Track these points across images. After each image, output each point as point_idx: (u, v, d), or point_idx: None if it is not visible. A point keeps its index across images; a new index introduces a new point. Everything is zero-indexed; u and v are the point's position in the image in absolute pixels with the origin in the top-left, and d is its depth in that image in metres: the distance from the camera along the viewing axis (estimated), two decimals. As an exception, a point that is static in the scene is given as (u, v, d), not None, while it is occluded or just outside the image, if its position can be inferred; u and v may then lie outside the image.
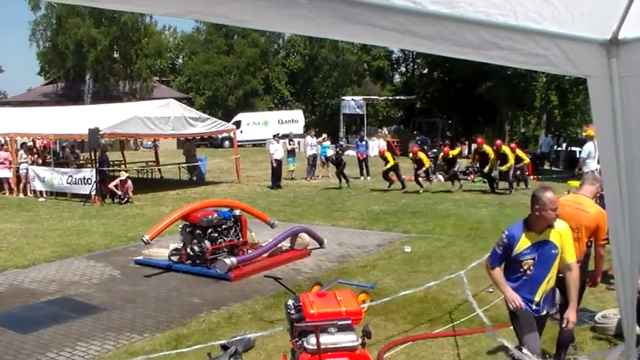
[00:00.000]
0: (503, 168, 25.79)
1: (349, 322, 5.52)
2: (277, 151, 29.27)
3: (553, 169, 39.02)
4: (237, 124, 54.27)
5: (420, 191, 26.59)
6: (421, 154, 27.95)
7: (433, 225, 18.66)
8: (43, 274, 13.83)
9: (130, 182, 25.61)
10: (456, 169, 27.65)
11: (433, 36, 2.88)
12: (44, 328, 10.18)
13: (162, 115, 28.15)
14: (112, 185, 25.29)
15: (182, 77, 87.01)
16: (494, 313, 9.78)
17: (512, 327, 6.65)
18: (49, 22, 67.87)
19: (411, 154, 28.65)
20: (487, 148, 26.22)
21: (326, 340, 5.36)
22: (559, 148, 42.76)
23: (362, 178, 31.85)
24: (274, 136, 31.83)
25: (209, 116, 33.53)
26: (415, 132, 56.29)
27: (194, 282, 12.86)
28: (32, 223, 20.61)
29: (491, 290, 10.97)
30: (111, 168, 27.58)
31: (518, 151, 26.86)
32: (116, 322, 10.37)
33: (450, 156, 27.88)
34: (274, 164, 29.11)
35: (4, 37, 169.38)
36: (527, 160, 27.42)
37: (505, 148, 26.21)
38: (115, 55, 70.30)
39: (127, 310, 11.07)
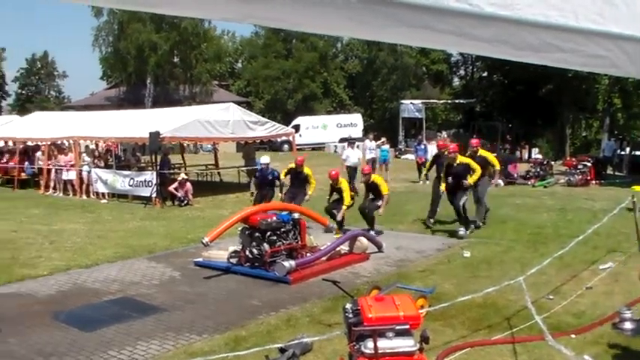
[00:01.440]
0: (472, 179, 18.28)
1: (407, 326, 5.48)
2: (350, 157, 28.96)
3: (616, 173, 38.33)
4: (296, 127, 54.50)
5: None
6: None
7: (493, 230, 18.47)
8: (105, 274, 14.03)
9: (189, 185, 25.83)
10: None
11: (491, 38, 2.85)
12: (106, 326, 10.33)
13: (221, 119, 28.34)
14: (171, 188, 25.55)
15: (241, 81, 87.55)
16: (555, 320, 9.64)
17: (572, 335, 6.53)
18: (111, 27, 68.89)
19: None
20: (487, 154, 20.88)
21: (383, 344, 5.33)
22: (622, 152, 42.03)
23: (421, 182, 31.64)
24: (348, 141, 31.53)
25: (268, 120, 33.67)
26: (474, 135, 55.78)
27: (253, 284, 12.91)
28: (95, 224, 20.92)
29: (551, 297, 10.84)
30: (171, 171, 27.85)
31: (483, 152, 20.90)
32: (176, 323, 10.47)
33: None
34: (346, 170, 28.57)
35: (68, 43, 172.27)
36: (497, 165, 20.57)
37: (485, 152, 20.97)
38: (175, 59, 71.05)
39: (187, 310, 11.17)
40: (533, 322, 8.78)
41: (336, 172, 18.51)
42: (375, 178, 18.61)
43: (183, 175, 26.51)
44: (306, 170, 20.32)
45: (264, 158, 19.19)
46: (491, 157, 20.39)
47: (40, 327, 10.40)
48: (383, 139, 35.85)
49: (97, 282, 13.40)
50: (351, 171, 28.07)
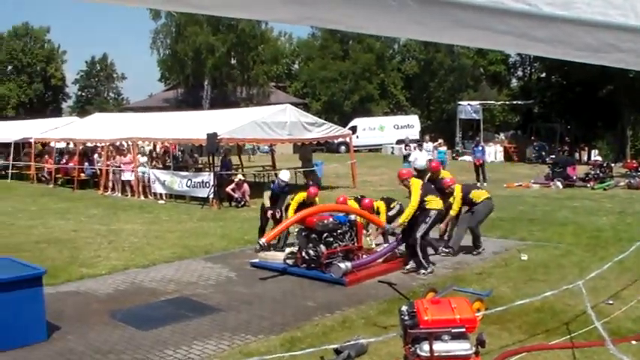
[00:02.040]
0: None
1: (463, 330, 5.44)
2: (418, 159, 28.59)
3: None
4: (353, 129, 54.39)
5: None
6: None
7: (551, 233, 18.23)
8: (162, 274, 14.18)
9: (246, 186, 25.96)
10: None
11: (549, 39, 2.80)
12: (162, 326, 10.46)
13: (278, 120, 28.44)
14: (229, 189, 25.70)
15: (298, 83, 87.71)
16: (615, 325, 9.49)
17: (633, 341, 6.41)
18: (168, 30, 69.57)
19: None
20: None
21: (439, 347, 5.29)
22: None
23: (478, 183, 31.40)
24: (417, 143, 31.22)
25: (325, 121, 33.70)
26: (532, 137, 55.26)
27: (309, 285, 12.93)
28: (152, 224, 21.14)
29: (611, 302, 10.68)
30: (230, 172, 28.02)
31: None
32: (232, 323, 10.53)
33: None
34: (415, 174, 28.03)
35: (127, 45, 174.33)
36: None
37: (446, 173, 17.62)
38: (233, 61, 71.41)
39: (243, 311, 11.23)
40: (593, 328, 8.65)
41: (408, 171, 16.04)
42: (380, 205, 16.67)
43: (240, 177, 26.65)
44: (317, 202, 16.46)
45: (284, 174, 16.64)
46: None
47: (98, 325, 10.55)
48: (440, 141, 35.69)
49: (154, 282, 13.55)
50: (420, 174, 27.57)
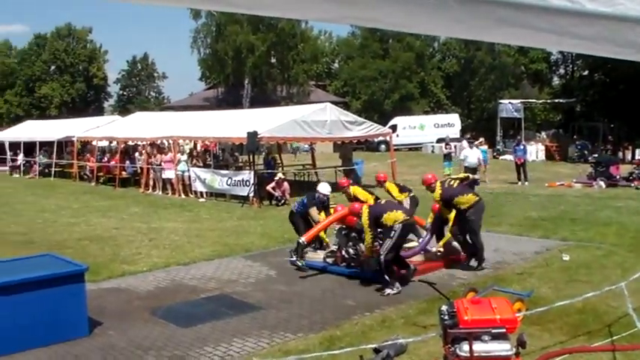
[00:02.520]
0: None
1: (504, 330, 5.40)
2: (469, 157, 28.23)
3: None
4: (394, 127, 54.26)
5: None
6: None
7: (593, 233, 18.01)
8: (202, 272, 14.25)
9: (286, 184, 26.01)
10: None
11: (592, 36, 2.77)
12: (202, 323, 10.53)
13: (318, 119, 28.43)
14: (269, 187, 25.77)
15: (338, 81, 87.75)
16: (658, 328, 9.37)
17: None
18: (209, 29, 69.96)
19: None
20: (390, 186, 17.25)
21: (479, 348, 5.25)
22: None
23: (519, 183, 31.18)
24: (468, 140, 30.89)
25: (365, 120, 33.64)
26: (575, 136, 54.68)
27: (348, 284, 12.92)
28: (193, 222, 21.25)
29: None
30: (272, 170, 28.09)
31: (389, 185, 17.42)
32: (271, 321, 10.55)
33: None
34: (464, 171, 27.54)
35: (168, 45, 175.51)
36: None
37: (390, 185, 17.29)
38: (273, 60, 71.68)
39: (282, 309, 11.25)
40: (636, 330, 8.53)
41: (433, 176, 15.03)
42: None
43: (280, 175, 26.72)
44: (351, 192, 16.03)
45: (324, 187, 15.78)
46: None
47: (139, 321, 10.64)
48: (481, 140, 35.43)
49: (195, 279, 13.62)
50: (470, 172, 27.07)
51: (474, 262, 14.07)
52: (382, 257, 12.16)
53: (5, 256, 13.48)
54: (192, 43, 71.85)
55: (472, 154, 27.96)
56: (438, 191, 13.82)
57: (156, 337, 9.87)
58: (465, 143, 33.61)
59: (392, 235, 12.24)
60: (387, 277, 12.19)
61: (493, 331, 5.33)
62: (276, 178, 26.11)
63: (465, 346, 5.27)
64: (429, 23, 2.81)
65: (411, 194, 16.60)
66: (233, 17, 65.02)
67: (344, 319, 10.52)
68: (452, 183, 13.80)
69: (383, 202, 13.68)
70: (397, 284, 12.12)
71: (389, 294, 11.96)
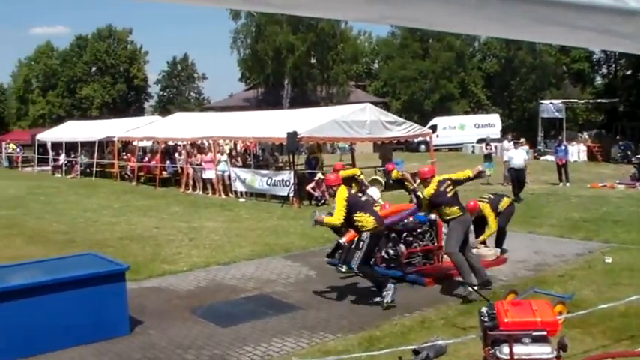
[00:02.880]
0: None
1: (544, 333, 5.35)
2: (514, 158, 27.79)
3: None
4: (434, 128, 54.05)
5: None
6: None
7: (636, 235, 17.70)
8: (242, 272, 14.30)
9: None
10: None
11: (635, 34, 2.73)
12: (242, 322, 10.58)
13: (358, 119, 28.39)
14: (309, 187, 25.80)
15: (378, 82, 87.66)
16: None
17: None
18: (248, 30, 70.30)
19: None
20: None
21: (519, 350, 5.21)
22: None
23: (561, 184, 30.90)
24: (514, 142, 30.51)
25: (405, 120, 33.55)
26: (617, 137, 54.10)
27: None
28: (233, 222, 21.33)
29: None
30: (313, 171, 28.10)
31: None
32: (311, 321, 10.56)
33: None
34: (509, 173, 27.44)
35: (208, 45, 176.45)
36: None
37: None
38: (312, 60, 71.81)
39: (322, 309, 11.25)
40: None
41: (475, 203, 15.06)
42: (484, 208, 15.15)
43: (320, 175, 26.73)
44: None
45: (375, 192, 15.66)
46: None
47: (179, 320, 10.71)
48: (522, 140, 35.11)
49: (234, 279, 13.67)
50: (516, 173, 26.71)
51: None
52: (357, 270, 11.71)
53: (48, 255, 13.67)
54: (232, 43, 72.29)
55: (518, 155, 27.41)
56: (431, 190, 12.57)
57: (196, 336, 9.92)
58: (506, 144, 33.27)
59: (361, 245, 11.57)
60: (375, 285, 11.70)
61: (534, 333, 5.29)
62: (316, 178, 26.12)
63: (505, 349, 5.23)
64: (469, 23, 2.80)
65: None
66: (273, 18, 65.28)
67: (383, 320, 10.49)
68: (447, 190, 12.54)
69: (363, 199, 12.65)
70: (390, 286, 11.38)
71: (387, 301, 11.24)
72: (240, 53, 73.24)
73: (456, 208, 12.39)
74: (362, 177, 17.35)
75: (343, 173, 16.30)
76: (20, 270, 10.70)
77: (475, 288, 9.10)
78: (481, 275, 11.95)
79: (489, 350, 5.47)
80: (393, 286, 11.48)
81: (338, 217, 11.58)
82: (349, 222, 11.79)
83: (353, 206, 11.65)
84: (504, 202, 15.40)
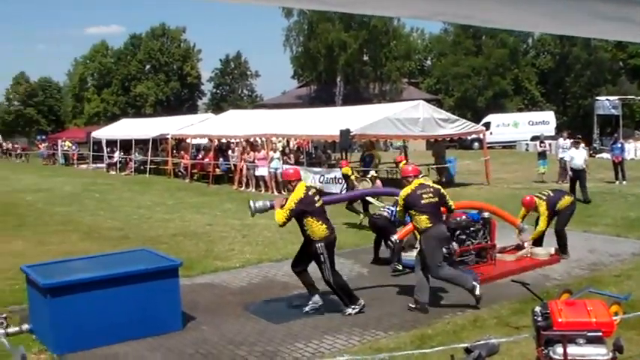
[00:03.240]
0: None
1: (599, 333, 5.28)
2: (575, 158, 27.19)
3: None
4: (487, 125, 53.65)
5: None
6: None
7: (696, 233, 17.49)
8: (294, 269, 14.33)
9: (379, 182, 25.91)
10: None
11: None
12: (294, 319, 10.66)
13: (411, 117, 28.32)
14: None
15: (431, 79, 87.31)
16: None
17: None
18: (301, 27, 70.43)
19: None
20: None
21: (573, 351, 5.15)
22: None
23: (617, 182, 30.45)
24: (573, 140, 30.09)
25: (458, 117, 33.37)
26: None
27: (440, 282, 12.80)
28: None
29: None
30: (367, 168, 28.08)
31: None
32: (362, 319, 10.56)
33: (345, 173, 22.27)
34: (570, 173, 26.39)
35: (260, 43, 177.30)
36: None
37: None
38: (365, 57, 71.74)
39: (374, 307, 11.23)
40: None
41: (531, 199, 14.86)
42: (540, 205, 14.74)
43: (372, 173, 26.67)
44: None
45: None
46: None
47: (232, 317, 10.78)
48: (578, 137, 34.63)
49: (287, 276, 13.67)
50: (577, 174, 26.04)
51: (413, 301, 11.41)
52: (332, 283, 11.06)
53: (102, 250, 13.84)
54: (285, 41, 72.51)
55: (579, 155, 26.84)
56: (408, 190, 11.53)
57: (248, 333, 9.97)
58: (561, 141, 32.77)
59: (322, 260, 11.00)
60: (343, 298, 11.08)
61: (588, 334, 5.22)
62: (369, 175, 26.07)
63: (559, 349, 5.18)
64: (523, 19, 2.76)
65: None
66: (325, 15, 65.26)
67: (436, 318, 10.47)
68: (425, 196, 11.37)
69: (318, 204, 11.38)
70: (359, 302, 10.97)
71: (350, 314, 10.82)
72: (292, 51, 73.51)
73: (425, 217, 11.23)
74: (353, 176, 17.58)
75: (344, 170, 16.63)
76: (75, 265, 10.87)
77: (528, 287, 8.99)
78: (423, 300, 11.07)
79: (542, 350, 5.42)
80: (361, 305, 10.94)
81: (283, 216, 10.79)
82: (298, 224, 11.11)
83: (304, 208, 10.90)
84: (564, 201, 15.06)
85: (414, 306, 11.09)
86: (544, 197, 14.91)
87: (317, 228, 10.91)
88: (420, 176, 12.30)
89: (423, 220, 11.22)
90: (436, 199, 11.44)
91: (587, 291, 9.77)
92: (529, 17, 2.69)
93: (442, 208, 11.80)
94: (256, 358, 9.06)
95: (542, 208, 14.68)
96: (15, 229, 20.42)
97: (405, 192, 11.57)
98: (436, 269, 11.27)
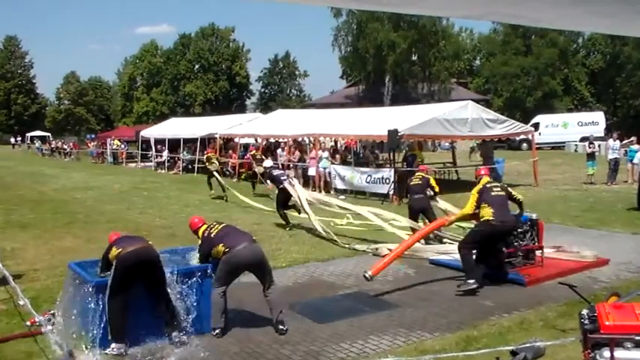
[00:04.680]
0: None
1: (648, 337, 5.22)
2: None
3: None
4: (536, 126, 53.23)
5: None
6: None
7: None
8: (341, 268, 14.34)
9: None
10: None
11: None
12: (339, 319, 10.62)
13: (459, 117, 28.20)
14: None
15: (480, 79, 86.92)
16: None
17: None
18: (350, 27, 70.61)
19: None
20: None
21: (621, 355, 5.09)
22: None
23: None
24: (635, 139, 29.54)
25: (507, 118, 33.15)
26: None
27: (487, 284, 12.76)
28: (332, 219, 21.29)
29: None
30: (412, 168, 28.05)
31: None
32: (408, 320, 10.53)
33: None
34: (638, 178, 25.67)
35: (309, 43, 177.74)
36: None
37: None
38: (414, 57, 71.68)
39: (420, 308, 11.21)
40: None
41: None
42: None
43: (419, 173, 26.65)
44: None
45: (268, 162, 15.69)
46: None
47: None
48: (632, 139, 34.10)
49: (333, 275, 13.72)
50: None
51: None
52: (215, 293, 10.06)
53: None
54: (334, 41, 72.77)
55: None
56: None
57: (293, 332, 9.98)
58: (611, 142, 32.32)
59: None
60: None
61: (637, 338, 5.16)
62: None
63: (606, 353, 5.12)
64: (576, 18, 2.76)
65: None
66: (374, 15, 65.32)
67: (481, 320, 10.40)
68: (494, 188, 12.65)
69: (214, 233, 10.43)
70: (223, 322, 10.02)
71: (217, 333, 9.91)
72: (341, 50, 73.73)
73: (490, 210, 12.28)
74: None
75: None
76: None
77: (576, 289, 8.93)
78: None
79: (589, 354, 5.36)
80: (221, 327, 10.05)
81: (199, 258, 10.45)
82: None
83: (208, 245, 10.25)
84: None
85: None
86: None
87: (216, 252, 10.07)
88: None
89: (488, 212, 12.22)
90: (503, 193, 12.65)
91: (635, 294, 9.65)
92: (582, 17, 2.68)
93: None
94: (300, 357, 9.08)
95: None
96: (65, 227, 20.70)
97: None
98: (465, 245, 12.46)
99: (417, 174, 18.15)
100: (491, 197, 12.39)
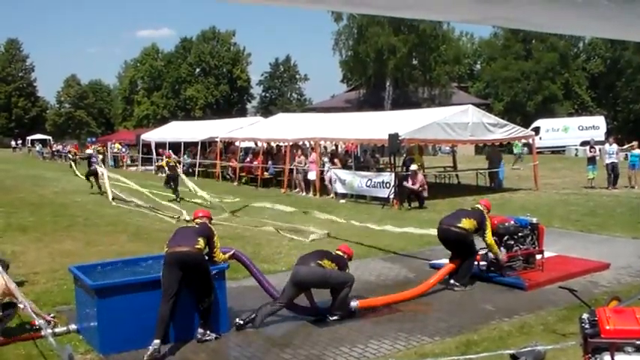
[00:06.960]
0: None
1: (648, 341, 5.22)
2: None
3: None
4: (536, 130, 53.28)
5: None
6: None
7: None
8: (340, 272, 14.32)
9: (421, 176, 26.02)
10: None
11: None
12: (340, 323, 10.63)
13: (460, 121, 28.18)
14: (405, 183, 25.57)
15: (480, 83, 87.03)
16: None
17: None
18: (350, 31, 70.77)
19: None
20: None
21: (622, 359, 5.10)
22: None
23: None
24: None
25: (507, 122, 33.15)
26: None
27: (487, 289, 12.75)
28: (332, 223, 21.29)
29: None
30: (408, 173, 28.06)
31: None
32: (408, 324, 10.53)
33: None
34: None
35: (310, 47, 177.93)
36: None
37: None
38: (414, 62, 71.78)
39: (420, 312, 11.25)
40: None
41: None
42: None
43: (413, 167, 26.65)
44: None
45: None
46: None
47: (278, 319, 10.78)
48: (633, 143, 34.03)
49: (333, 280, 13.71)
50: None
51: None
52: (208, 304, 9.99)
53: (151, 251, 13.98)
54: (334, 45, 72.91)
55: None
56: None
57: (293, 336, 10.01)
58: (607, 147, 32.22)
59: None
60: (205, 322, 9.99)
61: (637, 342, 5.16)
62: (409, 172, 26.05)
63: (607, 357, 5.12)
64: (574, 22, 2.76)
65: None
66: (374, 19, 65.51)
67: (482, 324, 10.40)
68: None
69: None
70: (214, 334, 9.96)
71: (205, 340, 9.82)
72: (342, 55, 73.86)
73: None
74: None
75: None
76: (123, 266, 11.00)
77: (576, 294, 8.93)
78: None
79: (589, 358, 5.36)
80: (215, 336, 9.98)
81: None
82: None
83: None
84: None
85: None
86: None
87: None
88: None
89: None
90: None
91: (636, 298, 9.65)
92: (581, 20, 2.68)
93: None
94: (301, 361, 9.11)
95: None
96: (65, 230, 20.72)
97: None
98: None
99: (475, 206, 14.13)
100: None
